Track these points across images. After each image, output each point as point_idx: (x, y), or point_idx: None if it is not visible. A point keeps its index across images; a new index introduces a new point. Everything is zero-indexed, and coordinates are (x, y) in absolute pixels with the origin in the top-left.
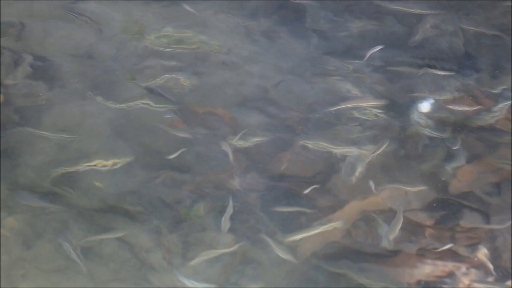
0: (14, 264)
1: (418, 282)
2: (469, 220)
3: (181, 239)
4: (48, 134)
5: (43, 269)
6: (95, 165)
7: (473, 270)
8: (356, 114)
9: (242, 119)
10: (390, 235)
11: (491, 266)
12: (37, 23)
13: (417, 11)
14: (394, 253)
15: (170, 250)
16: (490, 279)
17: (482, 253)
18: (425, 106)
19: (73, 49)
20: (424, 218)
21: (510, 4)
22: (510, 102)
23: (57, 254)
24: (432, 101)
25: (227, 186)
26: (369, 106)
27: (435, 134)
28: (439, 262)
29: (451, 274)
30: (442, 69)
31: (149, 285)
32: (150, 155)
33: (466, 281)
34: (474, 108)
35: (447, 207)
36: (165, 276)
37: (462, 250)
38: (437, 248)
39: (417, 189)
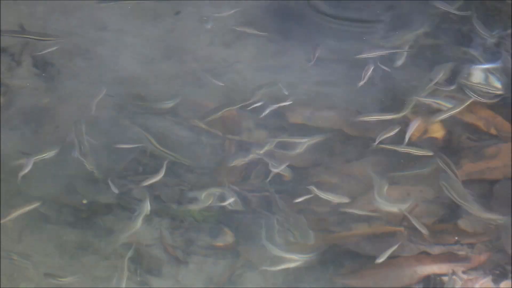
0: (14, 264)
1: (418, 283)
2: (470, 220)
3: (183, 238)
4: None
5: (43, 269)
6: None
7: (473, 271)
8: None
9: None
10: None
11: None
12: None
13: None
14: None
15: (174, 246)
16: (490, 279)
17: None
18: None
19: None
20: (424, 218)
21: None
22: None
23: (57, 253)
24: None
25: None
26: None
27: None
28: (439, 263)
29: (451, 275)
30: None
31: (149, 285)
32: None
33: (465, 281)
34: None
35: (447, 206)
36: (165, 276)
37: (462, 251)
38: (436, 251)
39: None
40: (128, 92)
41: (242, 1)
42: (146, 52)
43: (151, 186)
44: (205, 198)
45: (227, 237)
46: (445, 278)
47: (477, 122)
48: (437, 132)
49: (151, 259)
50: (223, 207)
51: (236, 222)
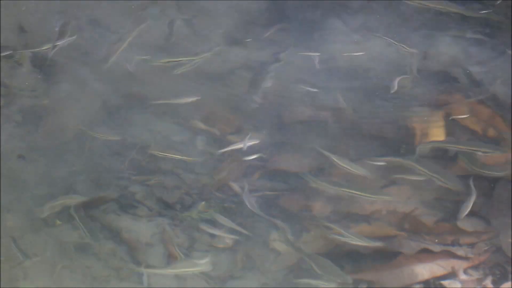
0: (14, 264)
1: (418, 283)
2: (469, 220)
3: (184, 237)
4: None
5: (43, 269)
6: None
7: (473, 271)
8: None
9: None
10: None
11: None
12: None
13: None
14: (394, 254)
15: (176, 246)
16: (490, 279)
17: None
18: None
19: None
20: (424, 218)
21: None
22: None
23: (57, 253)
24: None
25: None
26: None
27: None
28: (439, 263)
29: (451, 275)
30: None
31: (150, 283)
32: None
33: (466, 282)
34: None
35: (447, 206)
36: (165, 276)
37: (462, 251)
38: (437, 248)
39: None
40: (128, 92)
41: None
42: (146, 52)
43: (151, 186)
44: None
45: (227, 240)
46: (445, 282)
47: (475, 126)
48: (438, 137)
49: (151, 257)
50: (222, 208)
51: (235, 222)
